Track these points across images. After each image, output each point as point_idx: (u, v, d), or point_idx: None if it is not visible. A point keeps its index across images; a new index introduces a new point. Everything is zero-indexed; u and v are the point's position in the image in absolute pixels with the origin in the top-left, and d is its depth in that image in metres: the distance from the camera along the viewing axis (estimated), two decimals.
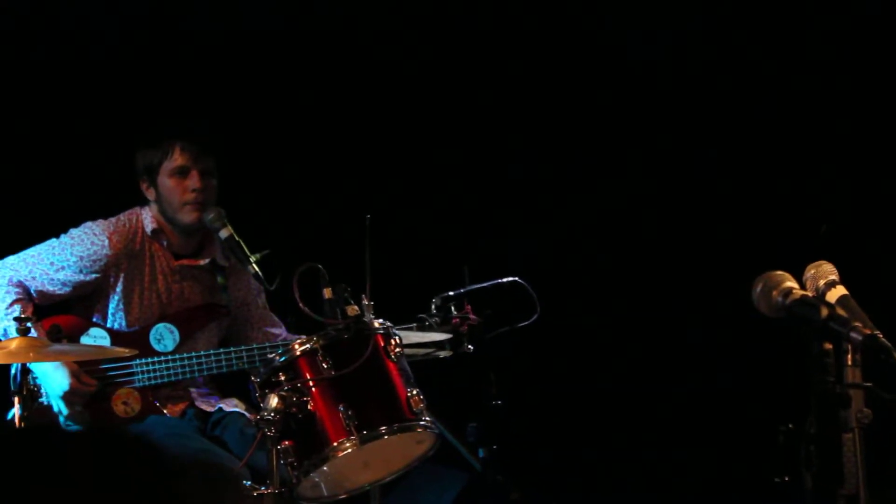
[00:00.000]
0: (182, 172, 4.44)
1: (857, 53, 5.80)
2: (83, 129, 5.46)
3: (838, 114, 5.79)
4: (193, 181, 4.43)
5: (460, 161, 6.00)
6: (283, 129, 5.79)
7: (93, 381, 4.28)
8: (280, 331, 4.68)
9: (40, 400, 4.25)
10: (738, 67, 5.96)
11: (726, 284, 4.52)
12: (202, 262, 4.54)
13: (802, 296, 3.03)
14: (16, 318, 3.62)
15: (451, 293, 4.42)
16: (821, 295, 3.13)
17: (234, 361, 4.35)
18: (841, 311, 2.97)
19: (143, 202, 4.54)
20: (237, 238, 4.32)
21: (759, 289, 3.08)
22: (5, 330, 4.28)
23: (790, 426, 3.07)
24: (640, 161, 6.05)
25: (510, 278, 4.44)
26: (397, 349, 3.79)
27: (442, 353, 4.38)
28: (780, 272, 3.10)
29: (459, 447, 5.00)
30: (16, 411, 3.75)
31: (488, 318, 4.43)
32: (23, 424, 3.66)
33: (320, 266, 3.77)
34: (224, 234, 4.34)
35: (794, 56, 5.88)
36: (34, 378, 4.26)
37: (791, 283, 3.08)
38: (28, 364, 3.86)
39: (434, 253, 5.56)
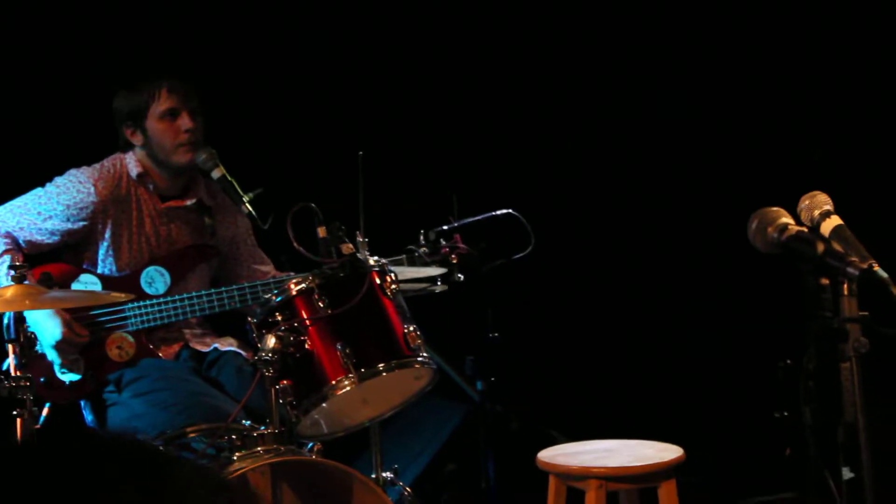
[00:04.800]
0: (172, 114, 4.37)
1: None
2: (55, 73, 5.36)
3: (833, 44, 5.75)
4: (185, 122, 4.37)
5: (458, 94, 5.95)
6: (272, 67, 5.72)
7: (85, 331, 4.24)
8: (268, 268, 4.65)
9: (35, 349, 4.22)
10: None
11: (727, 220, 4.51)
12: (188, 203, 4.49)
13: (798, 231, 3.03)
14: (10, 266, 3.58)
15: (444, 227, 4.40)
16: (816, 225, 3.11)
17: (226, 301, 4.32)
18: (836, 246, 2.96)
19: (124, 147, 4.47)
20: (230, 178, 4.26)
21: (754, 225, 3.07)
22: None
23: (789, 362, 3.08)
24: (635, 88, 6.00)
25: (504, 210, 4.42)
26: (393, 286, 3.79)
27: (437, 288, 4.36)
28: (775, 208, 3.09)
29: (458, 380, 5.02)
30: (11, 360, 3.70)
31: (483, 251, 4.41)
32: (19, 373, 3.62)
33: (314, 205, 3.74)
34: (216, 174, 4.28)
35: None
36: (27, 327, 4.23)
37: (786, 218, 3.07)
38: (22, 313, 3.82)
39: (429, 188, 5.52)
